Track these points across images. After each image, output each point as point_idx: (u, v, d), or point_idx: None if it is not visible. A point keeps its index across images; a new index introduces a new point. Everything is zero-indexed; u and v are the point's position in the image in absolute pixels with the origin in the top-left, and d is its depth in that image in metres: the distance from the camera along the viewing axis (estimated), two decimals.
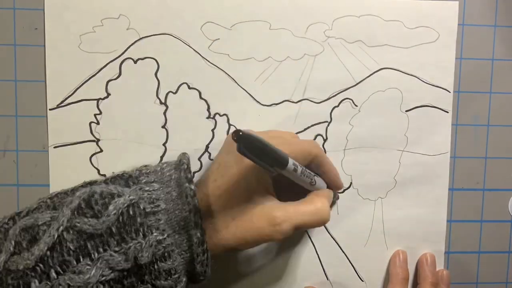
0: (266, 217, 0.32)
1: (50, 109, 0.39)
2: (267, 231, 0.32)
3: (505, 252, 0.42)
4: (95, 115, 0.39)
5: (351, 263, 0.41)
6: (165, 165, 0.33)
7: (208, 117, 0.39)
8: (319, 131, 0.40)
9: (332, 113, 0.40)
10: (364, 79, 0.40)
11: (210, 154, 0.39)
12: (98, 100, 0.39)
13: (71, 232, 0.29)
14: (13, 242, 0.29)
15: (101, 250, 0.29)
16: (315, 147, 0.35)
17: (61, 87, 0.38)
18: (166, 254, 0.30)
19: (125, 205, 0.29)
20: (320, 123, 0.40)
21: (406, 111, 0.40)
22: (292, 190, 0.35)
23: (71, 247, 0.28)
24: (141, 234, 0.29)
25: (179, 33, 0.39)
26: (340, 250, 0.41)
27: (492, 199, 0.41)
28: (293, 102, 0.40)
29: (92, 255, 0.28)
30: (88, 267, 0.28)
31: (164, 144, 0.39)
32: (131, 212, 0.29)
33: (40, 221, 0.29)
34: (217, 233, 0.32)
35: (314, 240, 0.40)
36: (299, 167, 0.32)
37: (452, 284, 0.40)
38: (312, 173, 0.34)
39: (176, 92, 0.39)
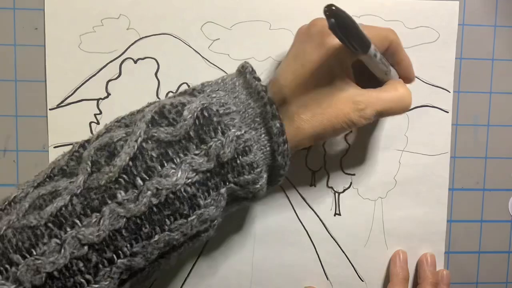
0: (350, 101, 0.31)
1: (50, 109, 0.39)
2: (351, 116, 0.31)
3: (505, 252, 0.42)
4: (95, 115, 0.39)
5: (351, 263, 0.41)
6: (225, 76, 0.33)
7: None
8: None
9: None
10: None
11: None
12: (98, 100, 0.39)
13: (150, 142, 0.28)
14: (89, 163, 0.28)
15: (181, 155, 0.28)
16: (392, 33, 0.34)
17: (61, 87, 0.38)
18: (246, 148, 0.29)
19: (199, 108, 0.29)
20: None
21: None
22: (365, 81, 0.34)
23: (153, 154, 0.28)
24: (219, 132, 0.29)
25: (179, 33, 0.39)
26: (340, 250, 0.41)
27: (492, 199, 0.41)
28: None
29: (175, 160, 0.28)
30: (173, 170, 0.27)
31: None
32: (206, 114, 0.29)
33: (116, 138, 0.29)
34: (297, 123, 0.31)
35: (314, 240, 0.40)
36: (378, 52, 0.32)
37: (452, 284, 0.40)
38: (383, 59, 0.33)
39: (176, 92, 0.39)
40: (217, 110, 0.29)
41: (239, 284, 0.40)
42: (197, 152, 0.28)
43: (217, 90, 0.31)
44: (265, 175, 0.31)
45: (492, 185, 0.41)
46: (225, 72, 0.39)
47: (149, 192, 0.27)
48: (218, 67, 0.39)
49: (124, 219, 0.27)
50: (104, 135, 0.30)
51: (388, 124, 0.40)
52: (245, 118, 0.30)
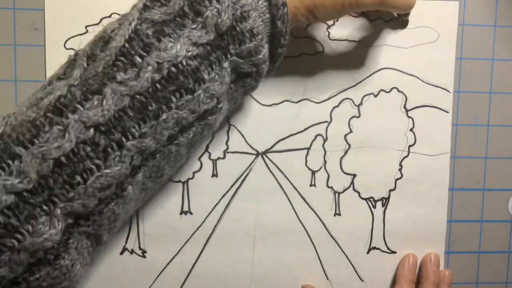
0: None
1: None
2: None
3: (505, 252, 0.42)
4: None
5: (351, 263, 0.41)
6: None
7: None
8: (319, 131, 0.40)
9: (332, 113, 0.40)
10: (364, 79, 0.40)
11: (210, 154, 0.39)
12: None
13: (144, 24, 0.27)
14: (85, 58, 0.27)
15: (178, 31, 0.27)
16: None
17: None
18: (244, 14, 0.28)
19: None
20: (320, 123, 0.40)
21: (406, 111, 0.40)
22: None
23: (149, 33, 0.27)
24: (214, 0, 0.28)
25: None
26: (340, 250, 0.41)
27: (492, 199, 0.41)
28: (293, 102, 0.40)
29: (172, 35, 0.27)
30: (171, 43, 0.27)
31: None
32: None
33: (109, 30, 0.28)
34: None
35: (314, 240, 0.40)
36: None
37: (452, 284, 0.40)
38: None
39: None
40: None
41: (239, 284, 0.40)
42: (194, 26, 0.27)
43: None
44: (266, 46, 0.30)
45: (492, 185, 0.41)
46: None
47: (149, 67, 0.26)
48: None
49: (128, 98, 0.26)
50: (98, 33, 0.29)
51: (388, 124, 0.40)
52: None
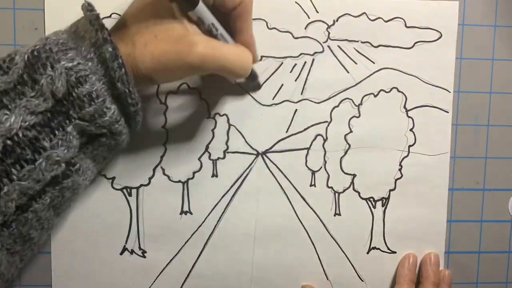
0: (187, 40, 0.30)
1: None
2: (186, 55, 0.30)
3: (505, 252, 0.42)
4: None
5: (351, 263, 0.41)
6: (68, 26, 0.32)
7: (208, 117, 0.39)
8: (319, 131, 0.40)
9: (332, 113, 0.40)
10: (364, 79, 0.40)
11: (210, 154, 0.39)
12: None
13: None
14: None
15: (17, 100, 0.28)
16: None
17: None
18: (80, 79, 0.28)
19: (30, 50, 0.29)
20: (320, 123, 0.40)
21: (406, 111, 0.40)
22: None
23: None
24: (49, 67, 0.28)
25: None
26: (340, 250, 0.41)
27: (492, 199, 0.41)
28: (293, 102, 0.40)
29: (9, 106, 0.28)
30: (6, 116, 0.27)
31: (164, 144, 0.39)
32: (35, 53, 0.28)
33: None
34: (136, 47, 0.30)
35: (314, 240, 0.40)
36: (219, 26, 0.32)
37: (452, 284, 0.40)
38: (223, 33, 0.33)
39: (176, 92, 0.39)
40: (50, 49, 0.28)
41: (239, 284, 0.40)
42: (33, 94, 0.28)
43: (59, 34, 0.30)
44: (112, 106, 0.30)
45: (492, 185, 0.41)
46: None
47: None
48: None
49: None
50: None
51: (388, 124, 0.40)
52: (81, 50, 0.29)
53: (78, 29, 0.31)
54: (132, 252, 0.39)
